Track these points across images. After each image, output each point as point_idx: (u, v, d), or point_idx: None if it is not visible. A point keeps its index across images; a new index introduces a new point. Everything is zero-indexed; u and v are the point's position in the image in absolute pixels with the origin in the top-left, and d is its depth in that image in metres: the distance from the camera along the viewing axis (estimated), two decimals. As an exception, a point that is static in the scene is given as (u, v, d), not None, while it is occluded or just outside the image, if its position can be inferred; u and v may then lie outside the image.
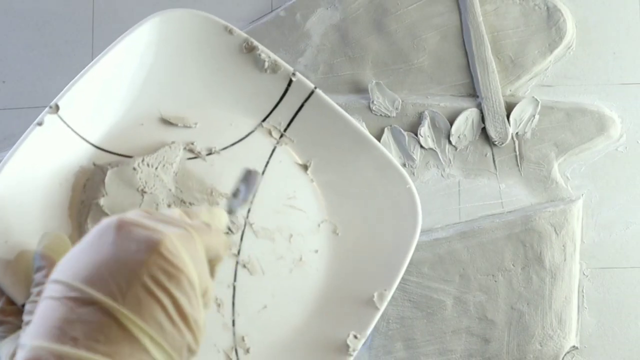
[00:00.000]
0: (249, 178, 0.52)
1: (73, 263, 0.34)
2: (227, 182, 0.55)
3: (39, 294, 0.40)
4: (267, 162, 0.56)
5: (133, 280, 0.33)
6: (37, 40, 0.79)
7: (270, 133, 0.57)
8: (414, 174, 0.74)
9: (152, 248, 0.34)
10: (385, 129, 0.74)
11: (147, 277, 0.34)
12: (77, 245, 0.36)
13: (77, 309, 0.32)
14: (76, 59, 0.78)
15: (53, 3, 0.79)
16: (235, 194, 0.49)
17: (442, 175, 0.74)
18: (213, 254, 0.39)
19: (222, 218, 0.44)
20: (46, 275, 0.41)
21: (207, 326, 0.38)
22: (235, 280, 0.53)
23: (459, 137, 0.73)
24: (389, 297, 0.53)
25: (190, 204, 0.53)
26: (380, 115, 0.74)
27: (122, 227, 0.35)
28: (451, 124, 0.73)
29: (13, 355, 0.39)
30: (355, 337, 0.52)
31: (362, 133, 0.56)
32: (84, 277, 0.33)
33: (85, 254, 0.35)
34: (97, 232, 0.35)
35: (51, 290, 0.34)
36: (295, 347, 0.53)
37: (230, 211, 0.49)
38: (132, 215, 0.37)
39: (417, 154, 0.73)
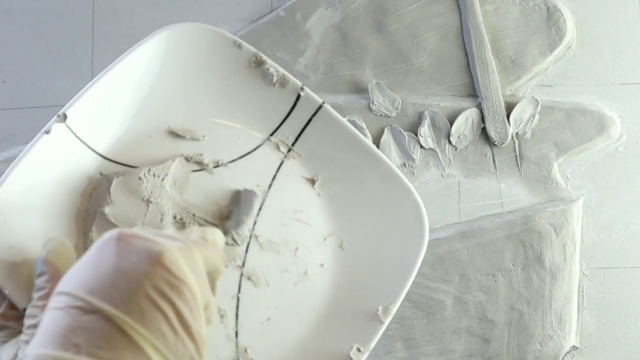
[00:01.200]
0: (240, 199, 0.53)
1: (77, 274, 0.35)
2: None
3: (40, 298, 0.40)
4: (274, 176, 0.57)
5: (135, 289, 0.34)
6: (37, 40, 0.79)
7: (278, 147, 0.57)
8: (414, 174, 0.74)
9: (154, 259, 0.35)
10: (385, 129, 0.74)
11: (149, 287, 0.34)
12: (81, 259, 0.36)
13: (80, 317, 0.33)
14: (76, 59, 0.78)
15: (53, 3, 0.79)
16: (228, 217, 0.50)
17: (442, 175, 0.74)
18: (212, 267, 0.39)
19: (216, 236, 0.45)
20: (48, 281, 0.41)
21: (210, 340, 0.38)
22: (239, 291, 0.53)
23: (459, 137, 0.73)
24: (394, 311, 0.53)
25: (195, 215, 0.53)
26: (380, 115, 0.74)
27: (122, 239, 0.35)
28: (451, 124, 0.73)
29: (14, 358, 0.39)
30: (359, 350, 0.52)
31: (369, 148, 0.56)
32: (87, 287, 0.34)
33: (88, 265, 0.35)
34: (99, 244, 0.36)
35: (56, 301, 0.34)
36: (298, 359, 0.53)
37: (225, 232, 0.50)
38: (132, 229, 0.37)
39: (417, 154, 0.73)
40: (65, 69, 0.78)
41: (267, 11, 0.78)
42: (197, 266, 0.37)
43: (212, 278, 0.40)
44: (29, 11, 0.79)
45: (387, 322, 0.53)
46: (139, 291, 0.34)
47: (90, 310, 0.33)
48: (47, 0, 0.79)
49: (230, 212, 0.50)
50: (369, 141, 0.56)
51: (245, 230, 0.53)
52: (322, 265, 0.56)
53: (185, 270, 0.36)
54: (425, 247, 0.55)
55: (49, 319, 0.34)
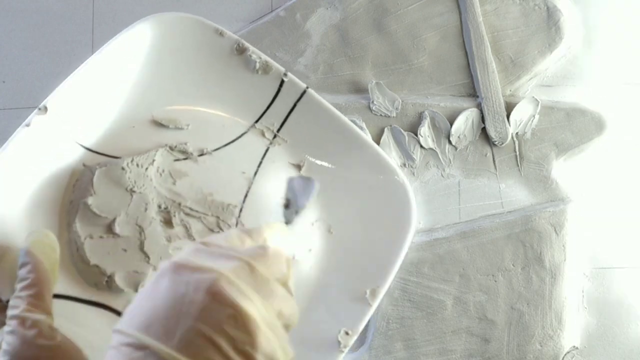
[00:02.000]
0: (295, 186, 0.51)
1: (133, 311, 0.35)
2: (218, 182, 0.55)
3: (23, 289, 0.41)
4: (260, 163, 0.57)
5: (187, 324, 0.33)
6: (37, 40, 0.79)
7: (263, 134, 0.57)
8: (414, 174, 0.74)
9: (206, 290, 0.34)
10: (385, 129, 0.74)
11: (201, 321, 0.33)
12: (139, 293, 0.36)
13: (132, 354, 0.33)
14: (76, 59, 0.78)
15: (53, 3, 0.79)
16: (286, 205, 0.49)
17: (442, 175, 0.74)
18: (278, 274, 0.38)
19: (282, 231, 0.44)
20: (30, 272, 0.41)
21: (289, 348, 0.37)
22: None
23: (459, 137, 0.73)
24: (382, 294, 0.53)
25: (180, 204, 0.53)
26: (380, 115, 0.74)
27: (176, 271, 0.35)
28: (451, 124, 0.73)
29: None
30: (347, 333, 0.52)
31: (354, 131, 0.56)
32: (140, 324, 0.34)
33: (143, 301, 0.35)
34: (156, 277, 0.36)
35: (113, 340, 0.35)
36: None
37: (288, 222, 0.48)
38: (188, 254, 0.36)
39: (417, 154, 0.73)
40: (65, 69, 0.77)
41: (267, 11, 0.78)
42: (258, 281, 0.36)
43: (282, 283, 0.38)
44: (29, 11, 0.79)
45: (375, 304, 0.53)
46: (191, 326, 0.33)
47: (140, 346, 0.33)
48: (47, 0, 0.79)
49: (287, 201, 0.48)
50: (353, 125, 0.56)
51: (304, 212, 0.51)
52: (310, 250, 0.56)
53: (241, 294, 0.35)
54: (413, 229, 0.55)
55: (107, 358, 0.34)
